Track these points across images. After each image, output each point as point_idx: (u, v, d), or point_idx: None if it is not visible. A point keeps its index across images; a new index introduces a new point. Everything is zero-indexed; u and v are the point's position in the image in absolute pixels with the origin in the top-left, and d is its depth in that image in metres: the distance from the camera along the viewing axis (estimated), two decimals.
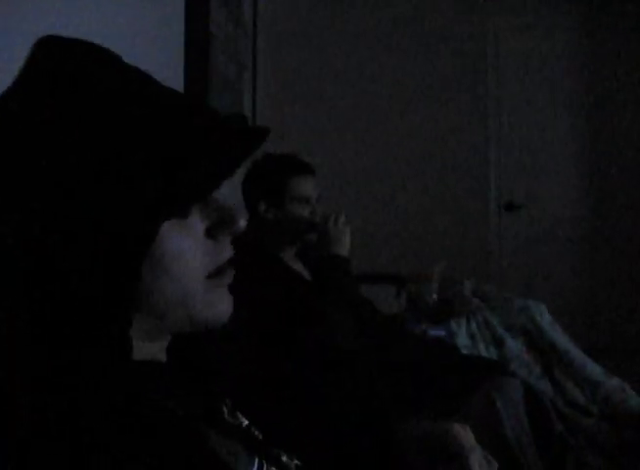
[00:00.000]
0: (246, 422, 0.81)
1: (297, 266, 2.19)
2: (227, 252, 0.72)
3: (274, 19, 4.55)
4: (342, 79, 4.66)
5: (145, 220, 0.62)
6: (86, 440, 0.56)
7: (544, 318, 2.60)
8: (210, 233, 0.70)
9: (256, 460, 0.72)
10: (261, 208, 2.11)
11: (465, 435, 0.84)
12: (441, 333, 2.55)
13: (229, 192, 0.96)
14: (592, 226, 4.70)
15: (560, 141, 4.72)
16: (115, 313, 0.63)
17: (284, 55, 4.62)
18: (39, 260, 0.60)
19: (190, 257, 0.68)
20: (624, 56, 4.66)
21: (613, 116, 4.69)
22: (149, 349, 0.72)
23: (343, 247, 2.14)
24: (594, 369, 2.47)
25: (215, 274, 0.71)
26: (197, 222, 0.69)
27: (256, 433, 0.80)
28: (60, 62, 0.65)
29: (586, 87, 4.71)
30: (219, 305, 0.72)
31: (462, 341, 2.50)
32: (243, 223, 0.72)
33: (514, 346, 2.52)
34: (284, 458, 0.80)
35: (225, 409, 0.79)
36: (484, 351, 2.49)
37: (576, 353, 2.52)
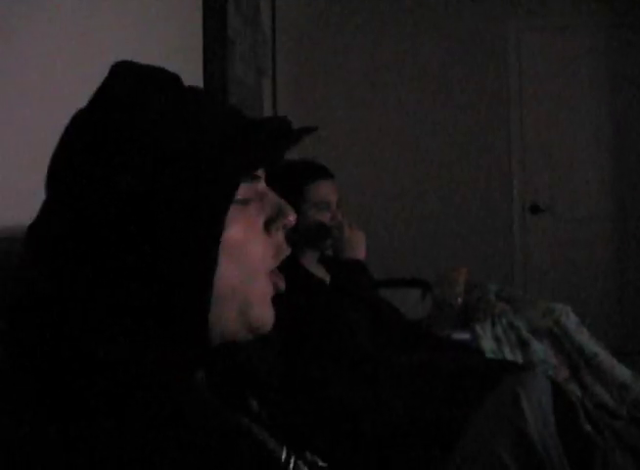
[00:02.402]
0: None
1: (320, 272, 2.18)
2: (283, 249, 0.76)
3: (293, 24, 4.56)
4: (362, 83, 4.66)
5: (216, 201, 0.67)
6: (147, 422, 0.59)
7: (570, 321, 2.57)
8: (266, 226, 0.75)
9: (285, 449, 0.75)
10: None
11: None
12: (466, 337, 2.53)
13: None
14: (618, 228, 4.64)
15: (584, 142, 4.67)
16: (198, 294, 0.66)
17: (303, 60, 4.62)
18: (127, 245, 0.64)
19: (252, 247, 0.72)
20: None
21: (637, 115, 4.63)
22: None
23: (359, 252, 2.18)
24: (622, 372, 2.43)
25: (274, 272, 0.75)
26: (256, 216, 0.74)
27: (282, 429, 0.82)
28: (134, 86, 0.71)
29: (610, 87, 4.66)
30: (269, 308, 0.75)
31: (487, 344, 2.48)
32: (293, 217, 0.76)
33: (540, 349, 2.49)
34: (307, 455, 0.81)
35: (253, 404, 0.81)
36: (510, 354, 2.46)
37: (604, 356, 2.49)
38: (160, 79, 0.73)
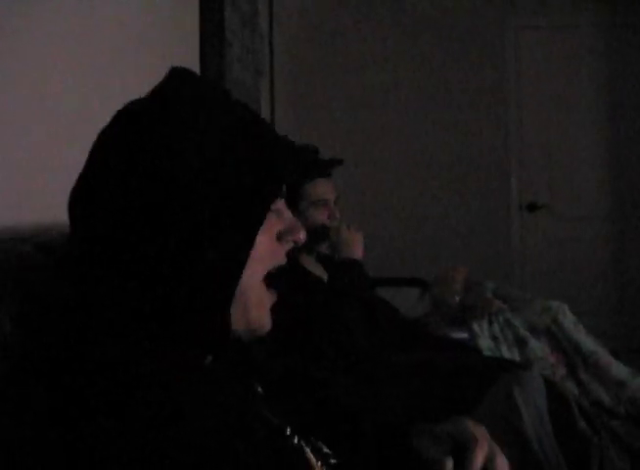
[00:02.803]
0: (275, 421, 0.82)
1: (318, 270, 2.19)
2: (283, 258, 0.82)
3: (290, 24, 4.56)
4: (361, 83, 4.66)
5: (255, 214, 0.74)
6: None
7: (567, 319, 2.58)
8: (279, 236, 0.80)
9: (289, 429, 0.80)
10: None
11: (475, 429, 0.85)
12: (464, 335, 2.54)
13: None
14: (615, 226, 4.64)
15: (582, 140, 4.68)
16: (224, 295, 0.72)
17: (301, 60, 4.62)
18: (163, 250, 0.69)
19: (264, 251, 0.76)
20: None
21: (635, 114, 4.63)
22: None
23: (356, 252, 2.21)
24: (620, 370, 2.44)
25: (271, 276, 0.79)
26: (272, 225, 0.79)
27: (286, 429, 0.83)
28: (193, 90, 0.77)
29: (608, 85, 4.67)
30: (266, 311, 0.80)
31: (484, 343, 2.49)
32: (304, 237, 0.83)
33: (537, 347, 2.50)
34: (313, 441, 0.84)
35: (260, 392, 0.85)
36: (507, 352, 2.47)
37: (601, 354, 2.50)
38: (215, 92, 0.79)
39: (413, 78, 4.67)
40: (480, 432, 0.85)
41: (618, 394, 2.37)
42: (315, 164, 0.68)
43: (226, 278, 0.71)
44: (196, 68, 2.62)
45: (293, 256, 2.10)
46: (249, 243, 0.73)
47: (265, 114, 4.11)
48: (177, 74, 0.79)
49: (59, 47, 1.48)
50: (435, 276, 3.11)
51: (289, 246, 0.82)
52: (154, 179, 0.69)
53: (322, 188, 2.14)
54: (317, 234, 2.13)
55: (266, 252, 0.77)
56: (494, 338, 2.53)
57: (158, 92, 0.77)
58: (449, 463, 0.82)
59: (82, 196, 0.73)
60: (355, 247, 2.21)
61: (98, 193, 0.71)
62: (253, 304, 0.76)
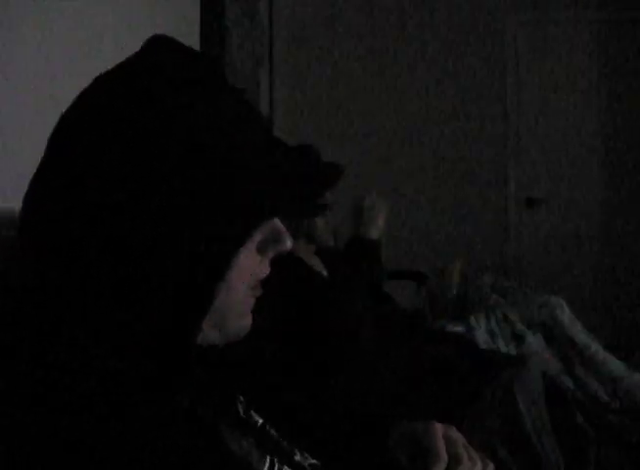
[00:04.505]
0: (260, 421, 0.80)
1: (315, 263, 2.17)
2: (266, 270, 0.73)
3: (290, 13, 4.54)
4: (360, 74, 4.65)
5: (238, 228, 0.65)
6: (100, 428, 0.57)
7: (564, 314, 2.58)
8: (260, 247, 0.71)
9: (268, 459, 0.72)
10: None
11: (438, 436, 0.79)
12: (460, 329, 2.53)
13: None
14: (613, 222, 4.64)
15: (580, 136, 4.67)
16: (193, 317, 0.64)
17: (300, 50, 4.60)
18: (127, 259, 0.62)
19: (244, 266, 0.69)
20: None
21: (634, 110, 4.63)
22: None
23: (376, 228, 2.09)
24: (615, 365, 2.45)
25: (252, 287, 0.72)
26: (251, 237, 0.70)
27: (272, 431, 0.80)
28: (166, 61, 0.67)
29: (607, 82, 4.66)
30: (247, 317, 0.73)
31: (481, 337, 2.49)
32: (290, 245, 0.73)
33: (533, 341, 2.50)
34: (297, 457, 0.79)
35: (240, 408, 0.79)
36: (504, 346, 2.47)
37: (597, 349, 2.50)
38: (201, 69, 0.69)
39: (412, 74, 4.65)
40: (453, 438, 0.80)
41: (614, 388, 2.38)
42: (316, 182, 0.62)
43: (195, 305, 0.64)
44: None
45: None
46: (220, 270, 0.65)
47: (264, 103, 4.10)
48: (154, 44, 0.69)
49: (58, 31, 1.47)
50: (432, 269, 3.10)
51: (272, 255, 0.73)
52: (109, 184, 0.61)
53: None
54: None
55: (245, 268, 0.69)
56: (491, 332, 2.53)
57: (126, 68, 0.68)
58: None
59: (30, 213, 0.66)
60: (377, 224, 2.10)
61: (47, 193, 0.64)
62: (233, 317, 0.70)
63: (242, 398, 0.81)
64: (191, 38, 2.56)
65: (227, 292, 0.67)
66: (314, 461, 0.82)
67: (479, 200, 4.62)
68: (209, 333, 0.69)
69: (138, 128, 0.63)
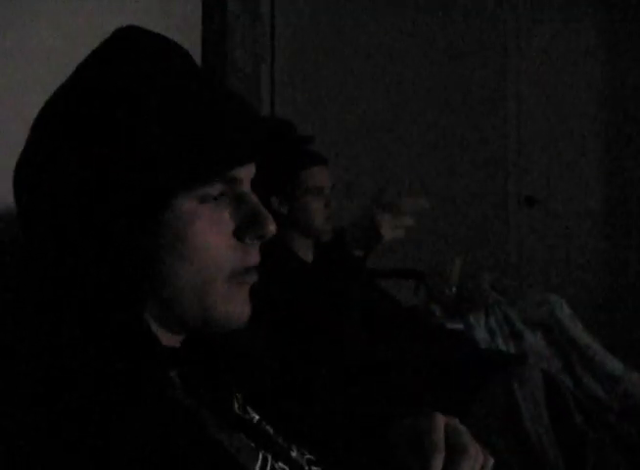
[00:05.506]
0: (256, 417, 0.80)
1: (310, 256, 2.18)
2: (254, 257, 0.72)
3: (293, 10, 4.53)
4: (363, 72, 4.64)
5: (157, 188, 0.64)
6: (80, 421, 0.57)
7: (564, 312, 2.57)
8: (238, 234, 0.70)
9: (261, 455, 0.72)
10: (275, 202, 2.08)
11: (438, 426, 0.76)
12: (459, 327, 2.53)
13: None
14: (613, 221, 4.64)
15: (581, 136, 4.67)
16: (128, 292, 0.64)
17: (303, 47, 4.59)
18: (58, 233, 0.65)
19: (215, 251, 0.68)
20: None
21: (635, 110, 4.62)
22: (169, 340, 0.72)
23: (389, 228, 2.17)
24: (614, 364, 2.44)
25: (239, 273, 0.71)
26: (227, 219, 0.70)
27: (267, 428, 0.80)
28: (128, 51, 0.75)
29: (607, 81, 4.65)
30: (237, 304, 0.72)
31: (480, 335, 2.49)
32: (272, 229, 0.72)
33: (533, 340, 2.49)
34: (294, 453, 0.79)
35: (236, 404, 0.78)
36: (503, 345, 2.47)
37: (597, 348, 2.50)
38: (166, 53, 0.77)
39: (414, 73, 4.64)
40: (456, 431, 0.77)
41: (613, 388, 2.38)
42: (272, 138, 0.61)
43: (128, 272, 0.64)
44: (197, 53, 2.60)
45: (285, 245, 2.07)
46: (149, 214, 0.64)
47: (266, 100, 4.09)
48: (117, 37, 0.77)
49: (55, 23, 1.47)
50: (431, 268, 3.10)
51: (256, 243, 0.72)
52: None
53: (318, 175, 2.12)
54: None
55: (219, 256, 0.68)
56: (490, 330, 2.53)
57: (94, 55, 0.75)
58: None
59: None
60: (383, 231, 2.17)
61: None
62: (218, 301, 0.69)
63: (239, 394, 0.80)
64: (193, 36, 2.56)
65: (203, 274, 0.67)
66: (311, 457, 0.82)
67: (479, 199, 4.62)
68: (198, 318, 0.69)
69: (91, 88, 0.71)
